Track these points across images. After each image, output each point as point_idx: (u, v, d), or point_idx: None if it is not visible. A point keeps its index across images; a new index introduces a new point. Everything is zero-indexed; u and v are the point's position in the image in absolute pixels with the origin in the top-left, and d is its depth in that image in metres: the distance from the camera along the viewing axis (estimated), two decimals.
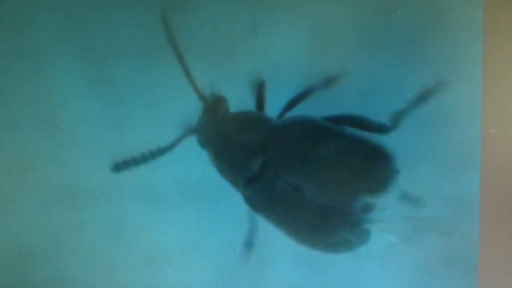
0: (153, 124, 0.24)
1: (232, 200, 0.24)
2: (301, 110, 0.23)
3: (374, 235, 0.23)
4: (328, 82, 0.23)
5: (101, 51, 0.24)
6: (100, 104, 0.24)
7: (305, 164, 0.22)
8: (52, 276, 0.25)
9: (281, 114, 0.23)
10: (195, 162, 0.24)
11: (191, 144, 0.24)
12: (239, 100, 0.24)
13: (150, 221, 0.24)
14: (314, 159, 0.22)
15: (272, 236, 0.24)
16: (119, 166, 0.24)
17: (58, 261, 0.25)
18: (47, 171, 0.25)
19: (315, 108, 0.23)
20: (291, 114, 0.23)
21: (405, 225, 0.23)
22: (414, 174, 0.23)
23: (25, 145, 0.25)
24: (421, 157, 0.23)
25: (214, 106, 0.23)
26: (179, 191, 0.24)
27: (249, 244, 0.24)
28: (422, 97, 0.23)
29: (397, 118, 0.23)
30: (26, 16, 0.24)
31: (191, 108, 0.24)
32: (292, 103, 0.23)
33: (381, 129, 0.23)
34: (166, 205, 0.24)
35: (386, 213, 0.23)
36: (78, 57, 0.24)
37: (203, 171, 0.24)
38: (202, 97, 0.24)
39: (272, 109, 0.24)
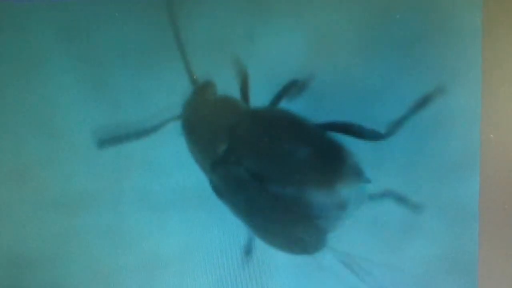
0: (151, 128, 0.24)
1: None
2: (298, 112, 0.23)
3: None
4: (312, 77, 0.23)
5: (99, 57, 0.24)
6: (97, 109, 0.24)
7: (268, 155, 0.22)
8: (49, 284, 0.25)
9: (271, 104, 0.23)
10: (194, 169, 0.24)
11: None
12: None
13: (148, 228, 0.24)
14: (277, 151, 0.22)
15: None
16: (104, 142, 0.24)
17: (55, 269, 0.25)
18: (44, 178, 0.24)
19: (312, 112, 0.23)
20: None
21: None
22: (413, 179, 0.23)
23: (22, 151, 0.24)
24: (420, 162, 0.23)
25: (201, 89, 0.23)
26: (178, 198, 0.24)
27: (249, 251, 0.24)
28: (421, 103, 0.23)
29: (394, 125, 0.23)
30: (22, 22, 0.24)
31: None
32: (276, 98, 0.23)
33: (375, 136, 0.23)
34: (164, 211, 0.24)
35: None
36: (75, 64, 0.24)
37: (202, 178, 0.24)
38: (193, 81, 0.23)
39: None
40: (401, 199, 0.23)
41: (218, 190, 0.23)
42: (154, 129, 0.24)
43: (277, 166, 0.22)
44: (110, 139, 0.24)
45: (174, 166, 0.24)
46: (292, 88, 0.23)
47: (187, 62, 0.23)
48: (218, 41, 0.23)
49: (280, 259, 0.24)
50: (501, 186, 0.23)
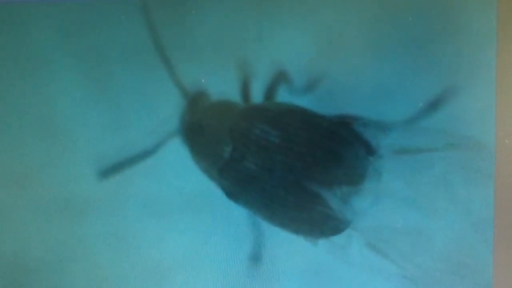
0: (154, 130, 0.23)
1: (236, 212, 0.23)
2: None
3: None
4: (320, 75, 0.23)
5: (100, 57, 0.23)
6: (99, 111, 0.24)
7: (270, 145, 0.23)
8: None
9: (266, 97, 0.23)
10: (197, 174, 0.23)
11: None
12: None
13: (152, 234, 0.24)
14: (278, 138, 0.23)
15: (279, 251, 0.23)
16: (107, 173, 0.23)
17: (57, 275, 0.24)
18: (46, 182, 0.24)
19: (322, 111, 0.23)
20: None
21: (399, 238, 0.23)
22: (426, 184, 0.23)
23: (23, 155, 0.24)
24: (434, 166, 0.23)
25: (194, 100, 0.23)
26: (181, 203, 0.24)
27: (255, 258, 0.23)
28: (433, 104, 0.22)
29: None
30: (24, 23, 0.23)
31: None
32: (268, 92, 0.23)
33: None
34: (168, 217, 0.24)
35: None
36: (77, 65, 0.23)
37: (206, 183, 0.23)
38: (185, 94, 0.23)
39: None
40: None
41: (232, 194, 0.23)
42: (154, 149, 0.23)
43: (282, 153, 0.22)
44: (112, 167, 0.23)
45: (177, 171, 0.23)
46: (281, 79, 0.23)
47: (174, 74, 0.23)
48: (227, 41, 0.23)
49: (287, 266, 0.23)
50: None
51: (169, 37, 0.23)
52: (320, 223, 0.23)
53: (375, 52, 0.23)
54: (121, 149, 0.23)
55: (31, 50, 0.23)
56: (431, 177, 0.23)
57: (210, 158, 0.23)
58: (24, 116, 0.24)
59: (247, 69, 0.23)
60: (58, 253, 0.24)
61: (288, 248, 0.23)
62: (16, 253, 0.24)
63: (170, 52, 0.23)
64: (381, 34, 0.23)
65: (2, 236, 0.24)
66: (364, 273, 0.23)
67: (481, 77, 0.22)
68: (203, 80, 0.23)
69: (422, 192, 0.23)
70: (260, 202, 0.23)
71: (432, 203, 0.23)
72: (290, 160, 0.22)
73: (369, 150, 0.23)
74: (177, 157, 0.23)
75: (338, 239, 0.23)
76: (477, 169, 0.22)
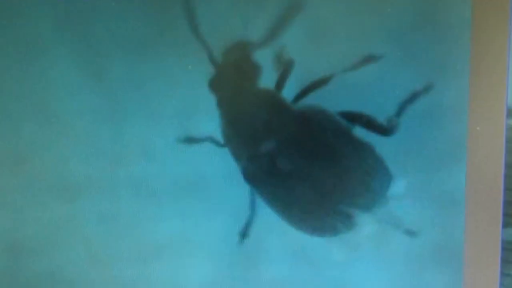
0: (147, 116, 0.24)
1: (226, 195, 0.24)
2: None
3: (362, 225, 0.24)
4: (353, 67, 0.24)
5: (96, 45, 0.24)
6: (94, 97, 0.24)
7: (311, 155, 0.23)
8: (45, 269, 0.25)
9: (296, 98, 0.24)
10: (189, 158, 0.24)
11: (186, 140, 0.24)
12: None
13: (144, 215, 0.25)
14: (322, 153, 0.23)
15: (266, 232, 0.24)
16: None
17: (51, 254, 0.25)
18: (41, 164, 0.25)
19: (305, 102, 0.24)
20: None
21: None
22: (401, 169, 0.24)
23: (20, 137, 0.25)
24: (409, 152, 0.24)
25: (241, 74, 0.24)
26: (173, 186, 0.25)
27: (244, 235, 0.25)
28: (412, 96, 0.23)
29: (392, 122, 0.23)
30: (21, 11, 0.24)
31: (185, 101, 0.24)
32: (307, 90, 0.24)
33: (382, 131, 0.24)
34: (160, 199, 0.25)
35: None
36: (73, 51, 0.24)
37: (198, 167, 0.24)
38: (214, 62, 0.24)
39: None
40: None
41: (252, 179, 0.24)
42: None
43: (318, 165, 0.23)
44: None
45: (169, 155, 0.24)
46: (320, 85, 0.24)
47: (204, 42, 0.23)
48: (215, 28, 0.24)
49: (274, 247, 0.25)
50: (486, 175, 0.23)
51: (158, 27, 0.24)
52: (326, 229, 0.24)
53: (355, 43, 0.24)
54: (114, 134, 0.25)
55: (29, 39, 0.24)
56: (405, 163, 0.24)
57: (244, 143, 0.24)
58: (22, 103, 0.25)
59: (287, 57, 0.24)
60: (51, 232, 0.25)
61: (277, 230, 0.25)
62: (11, 232, 0.25)
63: (157, 42, 0.24)
64: (362, 25, 0.24)
65: (0, 215, 0.25)
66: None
67: (456, 67, 0.23)
68: (189, 67, 0.24)
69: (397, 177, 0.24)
70: (278, 198, 0.24)
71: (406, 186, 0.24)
72: (322, 178, 0.23)
73: (388, 176, 0.24)
74: (169, 141, 0.24)
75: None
76: (450, 153, 0.24)
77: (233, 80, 0.24)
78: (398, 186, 0.24)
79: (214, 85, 0.24)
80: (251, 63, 0.24)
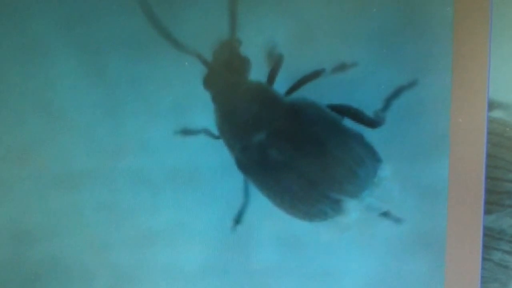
0: (145, 111, 0.25)
1: (220, 185, 0.25)
2: None
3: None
4: (340, 68, 0.25)
5: (97, 43, 0.25)
6: (95, 93, 0.26)
7: (301, 145, 0.24)
8: (47, 257, 0.26)
9: (287, 92, 0.25)
10: (186, 149, 0.25)
11: (182, 132, 0.25)
12: None
13: (141, 204, 0.26)
14: (312, 143, 0.24)
15: (259, 219, 0.25)
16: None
17: (54, 242, 0.26)
18: (44, 156, 0.26)
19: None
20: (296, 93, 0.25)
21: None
22: (387, 162, 0.25)
23: (22, 131, 0.26)
24: (393, 144, 0.25)
25: (234, 67, 0.25)
26: (169, 176, 0.26)
27: (238, 221, 0.26)
28: (397, 91, 0.24)
29: (379, 115, 0.24)
30: (25, 11, 0.25)
31: (181, 96, 0.25)
32: (299, 83, 0.25)
33: (371, 124, 0.25)
34: (157, 189, 0.26)
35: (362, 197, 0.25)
36: (74, 50, 0.25)
37: (193, 158, 0.25)
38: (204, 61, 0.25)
39: None
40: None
41: (245, 169, 0.25)
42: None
43: (310, 156, 0.24)
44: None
45: (167, 146, 0.25)
46: (311, 78, 0.25)
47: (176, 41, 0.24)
48: (203, 29, 0.25)
49: (266, 233, 0.26)
50: (469, 166, 0.24)
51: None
52: (316, 214, 0.25)
53: (342, 42, 0.25)
54: (113, 128, 0.26)
55: (33, 39, 0.25)
56: (390, 154, 0.25)
57: (237, 135, 0.25)
58: (26, 98, 0.26)
59: (277, 53, 0.25)
60: (53, 221, 0.26)
61: (270, 217, 0.25)
62: (15, 221, 0.26)
63: (156, 40, 0.25)
64: (348, 25, 0.25)
65: (4, 205, 0.26)
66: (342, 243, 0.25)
67: (439, 64, 0.24)
68: (186, 63, 0.25)
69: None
70: (271, 186, 0.25)
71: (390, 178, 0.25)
72: (312, 167, 0.24)
73: (376, 163, 0.25)
74: (166, 133, 0.25)
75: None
76: (434, 144, 0.25)
77: (225, 76, 0.25)
78: (384, 171, 0.25)
79: (208, 83, 0.25)
80: (240, 59, 0.25)
